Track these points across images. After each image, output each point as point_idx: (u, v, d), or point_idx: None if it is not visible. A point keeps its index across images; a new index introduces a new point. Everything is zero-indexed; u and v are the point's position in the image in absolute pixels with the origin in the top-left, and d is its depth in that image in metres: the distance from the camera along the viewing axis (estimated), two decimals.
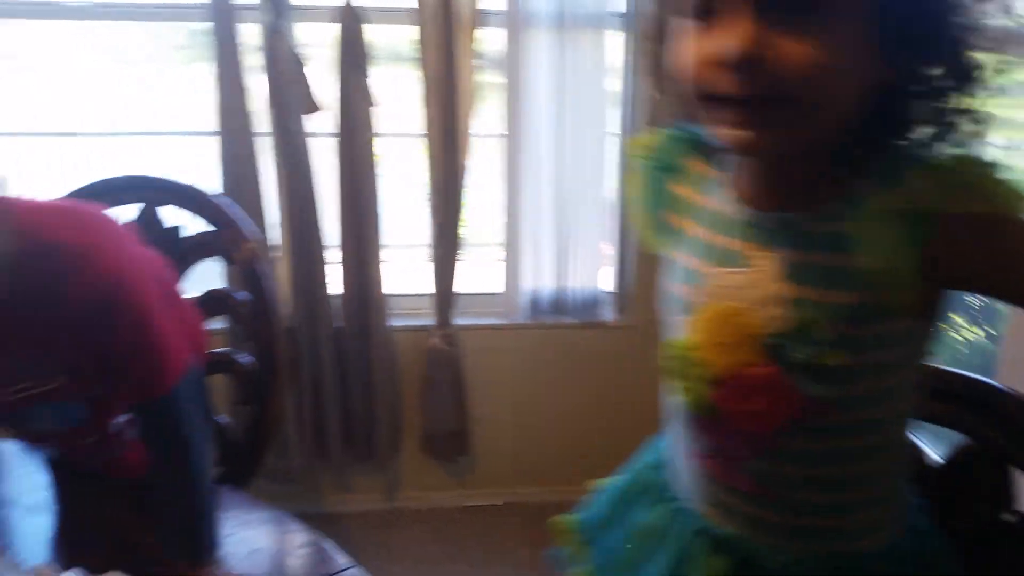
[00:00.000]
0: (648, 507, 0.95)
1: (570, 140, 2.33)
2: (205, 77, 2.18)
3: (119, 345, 0.89)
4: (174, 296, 1.09)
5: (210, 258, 1.52)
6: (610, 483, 1.08)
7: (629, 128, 2.37)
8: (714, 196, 0.82)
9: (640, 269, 2.45)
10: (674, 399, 0.85)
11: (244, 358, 1.51)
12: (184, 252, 1.48)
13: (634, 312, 2.49)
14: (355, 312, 2.34)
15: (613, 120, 2.40)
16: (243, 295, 1.47)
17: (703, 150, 0.84)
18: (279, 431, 2.10)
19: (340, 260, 2.32)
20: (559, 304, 2.50)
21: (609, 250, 2.54)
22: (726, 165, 0.81)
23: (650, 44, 0.79)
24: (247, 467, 1.48)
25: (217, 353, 1.45)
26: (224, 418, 1.52)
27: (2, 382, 0.91)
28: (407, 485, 2.56)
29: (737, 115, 0.67)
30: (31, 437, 1.05)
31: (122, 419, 1.01)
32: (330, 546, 1.05)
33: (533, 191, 2.39)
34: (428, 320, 2.43)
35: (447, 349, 2.41)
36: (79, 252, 0.80)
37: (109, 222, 0.94)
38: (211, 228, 1.48)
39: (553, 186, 2.37)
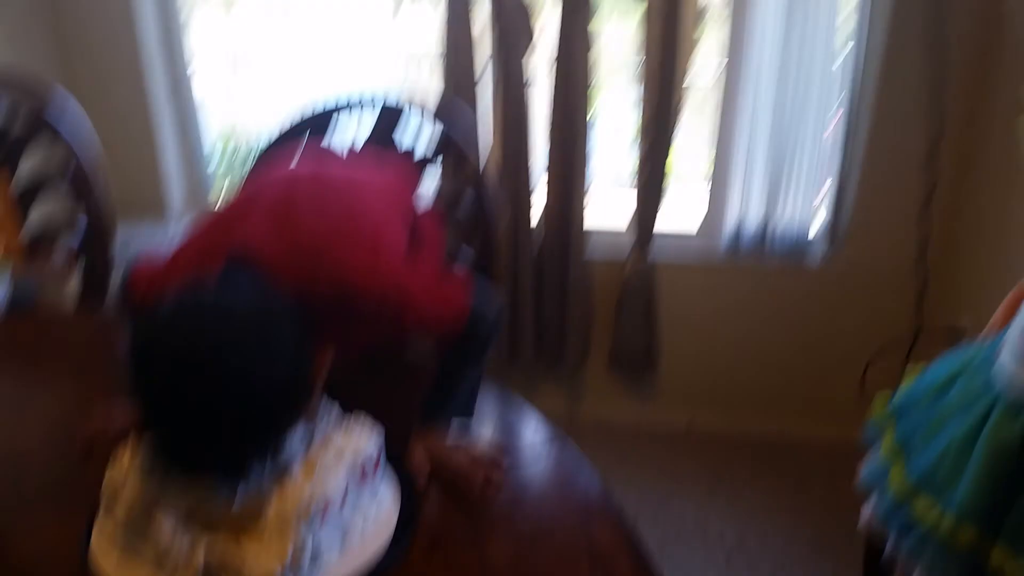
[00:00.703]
0: (963, 387, 1.11)
1: (795, 70, 2.17)
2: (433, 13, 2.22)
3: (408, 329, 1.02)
4: (422, 231, 1.15)
5: (439, 170, 1.58)
6: (930, 369, 1.22)
7: (861, 61, 2.17)
8: None
9: (857, 210, 2.30)
10: None
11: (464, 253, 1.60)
12: (415, 164, 1.55)
13: (846, 257, 2.35)
14: (555, 241, 2.36)
15: (840, 52, 2.21)
16: (466, 207, 1.54)
17: None
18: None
19: (545, 191, 2.34)
20: (763, 243, 2.40)
21: (824, 190, 2.38)
22: None
23: None
24: None
25: None
26: None
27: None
28: (590, 397, 2.63)
29: None
30: None
31: None
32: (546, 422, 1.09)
33: (749, 122, 2.27)
34: (625, 252, 2.41)
35: (642, 283, 2.39)
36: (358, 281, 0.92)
37: (368, 223, 1.00)
38: (437, 145, 1.53)
39: (771, 117, 2.24)
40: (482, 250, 1.59)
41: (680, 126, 2.23)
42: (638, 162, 2.28)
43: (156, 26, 2.42)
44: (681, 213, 2.50)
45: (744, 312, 2.47)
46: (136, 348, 0.73)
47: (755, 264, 2.41)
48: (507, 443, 1.04)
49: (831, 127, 2.27)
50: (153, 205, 2.49)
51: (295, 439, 0.83)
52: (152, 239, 2.27)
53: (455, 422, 1.08)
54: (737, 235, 2.40)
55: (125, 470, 0.81)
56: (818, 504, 2.21)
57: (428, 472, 0.99)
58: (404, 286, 0.94)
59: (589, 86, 2.21)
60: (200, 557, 0.74)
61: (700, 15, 2.12)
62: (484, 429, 1.10)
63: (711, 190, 2.42)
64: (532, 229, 2.37)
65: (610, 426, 2.58)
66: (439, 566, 0.82)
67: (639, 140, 2.26)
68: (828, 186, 2.35)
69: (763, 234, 2.38)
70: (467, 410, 1.12)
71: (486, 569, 0.81)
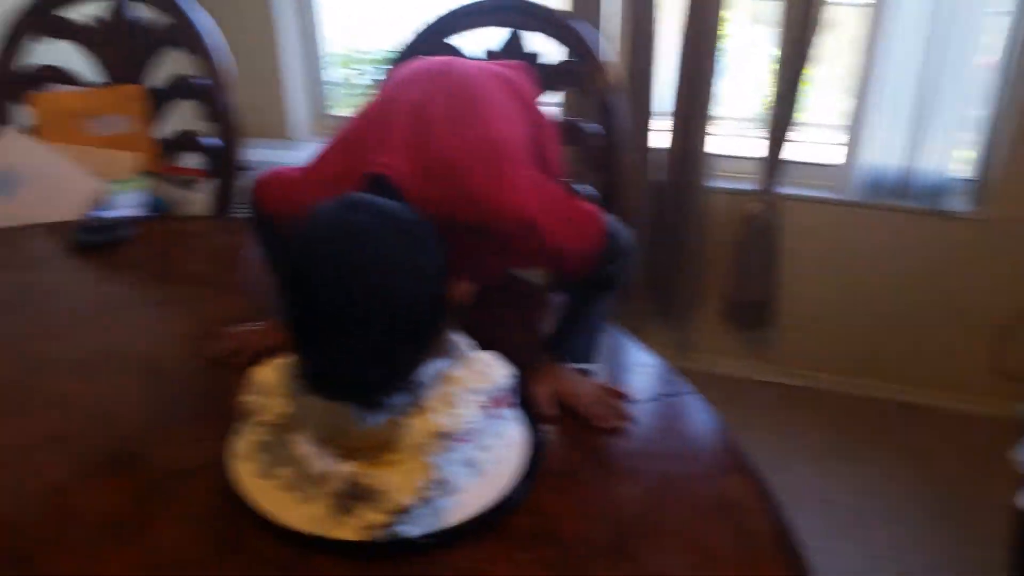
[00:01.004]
0: None
1: (947, 4, 1.99)
2: None
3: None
4: (548, 149, 1.12)
5: (567, 87, 1.53)
6: None
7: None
8: None
9: (1011, 155, 2.11)
10: None
11: (588, 189, 1.54)
12: (543, 78, 1.47)
13: (995, 204, 2.17)
14: (677, 167, 2.26)
15: None
16: (593, 127, 1.47)
17: None
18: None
19: (675, 113, 2.22)
20: (903, 185, 2.24)
21: (972, 133, 2.20)
22: None
23: None
24: None
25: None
26: None
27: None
28: (700, 347, 2.54)
29: None
30: None
31: None
32: (669, 369, 1.06)
33: (894, 57, 2.10)
34: (752, 184, 2.30)
35: (767, 218, 2.27)
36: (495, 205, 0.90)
37: (499, 144, 0.96)
38: (570, 57, 1.45)
39: (919, 53, 2.06)
40: (608, 180, 1.53)
41: (818, 47, 2.08)
42: (773, 83, 2.14)
43: None
44: (816, 150, 2.37)
45: (875, 261, 2.33)
46: (294, 259, 0.73)
47: (892, 207, 2.26)
48: (630, 387, 1.00)
49: (985, 61, 2.08)
50: (275, 126, 2.51)
51: (431, 367, 0.82)
52: (275, 157, 2.30)
53: (574, 365, 1.04)
54: (875, 174, 2.25)
55: (264, 390, 0.81)
56: (942, 478, 2.09)
57: (555, 403, 0.97)
58: (538, 216, 0.91)
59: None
60: (337, 481, 0.74)
61: None
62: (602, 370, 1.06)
63: (851, 125, 2.27)
64: (649, 151, 2.27)
65: (722, 380, 2.50)
66: (568, 505, 0.80)
67: (774, 60, 2.12)
68: (979, 126, 2.17)
69: (904, 175, 2.23)
70: (587, 355, 1.07)
71: (617, 512, 0.79)
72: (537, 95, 1.22)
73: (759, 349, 2.50)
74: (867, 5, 2.12)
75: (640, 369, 1.06)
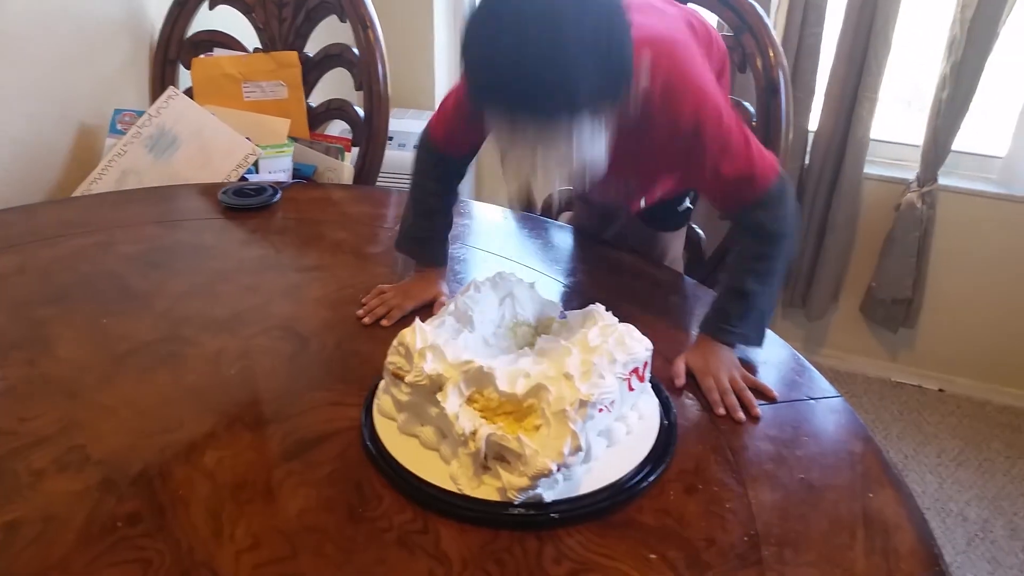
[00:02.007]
0: None
1: None
2: None
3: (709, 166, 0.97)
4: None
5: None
6: None
7: None
8: None
9: None
10: None
11: None
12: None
13: None
14: (831, 151, 2.15)
15: None
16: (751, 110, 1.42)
17: None
18: None
19: (828, 91, 2.11)
20: None
21: None
22: None
23: None
24: (714, 276, 1.51)
25: None
26: (701, 234, 1.55)
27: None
28: (833, 342, 2.43)
29: None
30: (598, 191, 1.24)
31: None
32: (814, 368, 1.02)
33: None
34: (909, 173, 2.16)
35: (922, 209, 2.14)
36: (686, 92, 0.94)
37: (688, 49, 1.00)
38: (735, 32, 1.39)
39: None
40: None
41: (998, 37, 1.93)
42: (946, 65, 2.00)
43: None
44: (983, 133, 2.20)
45: None
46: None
47: None
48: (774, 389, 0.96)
49: None
50: (424, 96, 2.54)
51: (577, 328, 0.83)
52: (420, 128, 2.33)
53: (739, 347, 0.99)
54: None
55: (409, 351, 0.82)
56: None
57: (684, 377, 0.96)
58: (724, 110, 0.94)
59: None
60: (481, 442, 0.75)
61: None
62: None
63: (1021, 117, 2.10)
64: (807, 133, 2.17)
65: (850, 377, 2.38)
66: (698, 505, 0.77)
67: (951, 39, 1.98)
68: None
69: None
70: (756, 336, 1.00)
71: (750, 519, 0.76)
72: (723, 53, 1.23)
73: (895, 349, 2.36)
74: None
75: (782, 366, 1.02)
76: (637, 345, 0.86)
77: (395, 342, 0.85)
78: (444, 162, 1.16)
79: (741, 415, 0.90)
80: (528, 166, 0.86)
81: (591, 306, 0.92)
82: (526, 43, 0.78)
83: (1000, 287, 2.21)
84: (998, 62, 1.99)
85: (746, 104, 1.42)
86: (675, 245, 1.49)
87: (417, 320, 0.87)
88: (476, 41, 0.83)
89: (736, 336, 0.98)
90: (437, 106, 1.16)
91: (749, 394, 0.93)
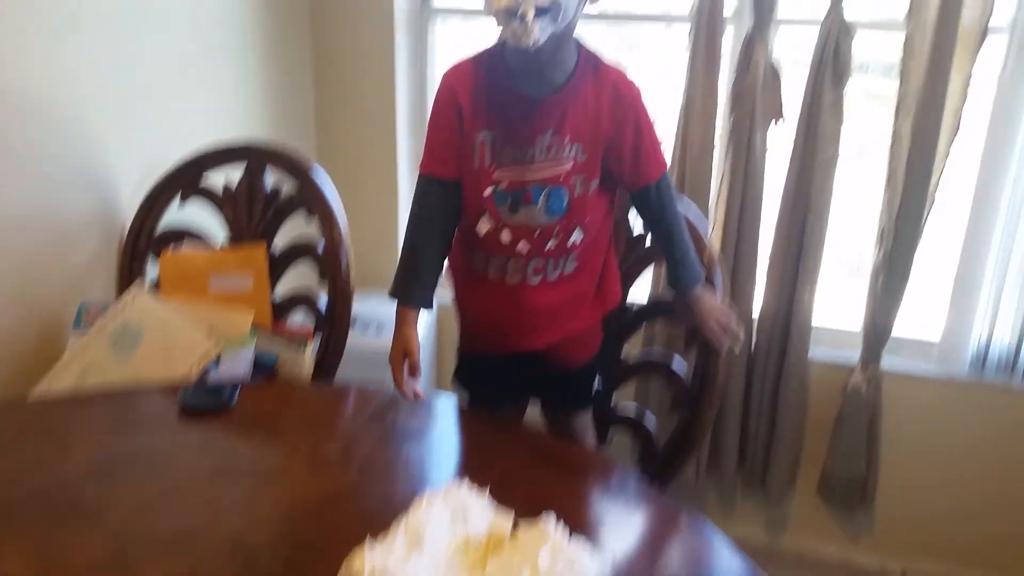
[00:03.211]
0: None
1: None
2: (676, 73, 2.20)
3: (632, 132, 1.35)
4: None
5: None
6: None
7: None
8: None
9: None
10: None
11: (679, 365, 1.60)
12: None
13: None
14: (775, 335, 2.24)
15: None
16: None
17: None
18: (702, 443, 2.14)
19: (770, 278, 2.22)
20: (1016, 362, 2.16)
21: None
22: None
23: None
24: (667, 471, 1.59)
25: (653, 359, 1.71)
26: (652, 421, 1.62)
27: (528, 158, 1.33)
28: (795, 526, 2.44)
29: None
30: (511, 229, 1.38)
31: (579, 238, 1.39)
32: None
33: (1008, 224, 2.09)
34: (852, 356, 2.25)
35: (868, 393, 2.21)
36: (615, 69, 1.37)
37: None
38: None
39: None
40: (700, 361, 1.54)
41: (930, 220, 2.07)
42: (878, 255, 2.13)
43: (408, 114, 2.56)
44: (919, 316, 2.31)
45: (984, 445, 2.23)
46: None
47: (1003, 387, 2.17)
48: None
49: None
50: (384, 276, 2.61)
51: None
52: (379, 311, 2.40)
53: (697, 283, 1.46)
54: (985, 350, 2.19)
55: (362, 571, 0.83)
56: None
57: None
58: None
59: (833, 164, 2.09)
60: None
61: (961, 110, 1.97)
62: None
63: (955, 293, 2.22)
64: (751, 317, 2.26)
65: (814, 562, 2.39)
66: None
67: (881, 230, 2.11)
68: None
69: (1017, 352, 2.15)
70: (699, 274, 1.47)
71: None
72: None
73: (854, 531, 2.38)
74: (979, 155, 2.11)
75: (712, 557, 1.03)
76: (589, 567, 0.86)
77: (343, 569, 0.85)
78: (436, 185, 1.40)
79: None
80: None
81: (543, 518, 0.93)
82: None
83: (953, 468, 2.26)
84: (928, 249, 2.13)
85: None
86: (587, 434, 1.62)
87: (368, 541, 0.87)
88: None
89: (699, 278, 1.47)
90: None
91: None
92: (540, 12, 1.20)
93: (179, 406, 1.39)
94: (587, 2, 1.28)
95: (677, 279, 1.47)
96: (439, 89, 1.39)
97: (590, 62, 1.35)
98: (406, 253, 1.46)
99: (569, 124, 1.33)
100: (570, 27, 1.29)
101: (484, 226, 1.39)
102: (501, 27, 1.24)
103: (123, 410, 1.40)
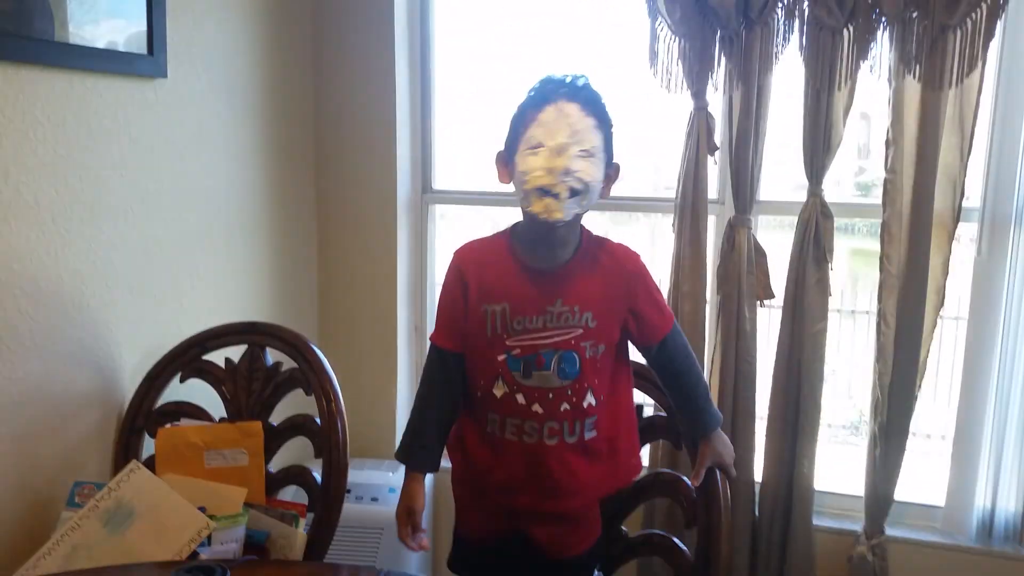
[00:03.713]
0: None
1: None
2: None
3: (643, 293, 1.49)
4: None
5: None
6: None
7: None
8: None
9: None
10: None
11: (682, 546, 1.59)
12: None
13: None
14: (778, 504, 2.21)
15: None
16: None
17: None
18: None
19: (769, 446, 2.23)
20: (1020, 530, 2.12)
21: None
22: None
23: None
24: None
25: (656, 535, 1.66)
26: None
27: (539, 325, 1.43)
28: None
29: None
30: (525, 392, 1.45)
31: (592, 401, 1.45)
32: None
33: (1001, 387, 2.10)
34: (855, 525, 2.21)
35: (873, 562, 2.16)
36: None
37: None
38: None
39: None
40: (704, 536, 1.53)
41: (917, 399, 2.09)
42: (873, 426, 2.13)
43: (408, 292, 2.64)
44: (922, 481, 2.29)
45: None
46: None
47: (1013, 555, 2.12)
48: None
49: None
50: (380, 445, 2.62)
51: None
52: (380, 479, 2.39)
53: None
54: (990, 517, 2.15)
55: None
56: None
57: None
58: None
59: (823, 335, 2.13)
60: None
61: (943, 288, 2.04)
62: None
63: (955, 460, 2.21)
64: (752, 487, 2.24)
65: None
66: None
67: (875, 403, 2.13)
68: None
69: (1019, 520, 2.12)
70: (720, 415, 1.57)
71: None
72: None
73: None
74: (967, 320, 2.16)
75: None
76: None
77: None
78: (444, 356, 1.52)
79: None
80: (555, 152, 1.34)
81: None
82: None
83: None
84: (925, 413, 2.14)
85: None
86: None
87: None
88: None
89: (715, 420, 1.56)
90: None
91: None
92: (573, 193, 1.35)
93: None
94: (607, 189, 1.46)
95: (705, 424, 1.55)
96: (449, 269, 1.54)
97: (592, 237, 1.50)
98: (413, 417, 1.58)
99: (577, 293, 1.44)
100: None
101: (499, 390, 1.46)
102: (529, 203, 1.38)
103: None
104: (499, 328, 1.45)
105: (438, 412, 1.55)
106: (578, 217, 1.43)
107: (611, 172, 1.46)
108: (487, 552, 1.58)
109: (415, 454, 1.56)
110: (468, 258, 1.52)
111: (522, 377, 1.44)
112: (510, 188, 1.47)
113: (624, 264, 1.49)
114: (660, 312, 1.51)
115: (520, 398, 1.44)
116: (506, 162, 1.46)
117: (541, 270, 1.46)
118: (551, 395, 1.44)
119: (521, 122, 1.41)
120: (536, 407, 1.44)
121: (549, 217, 1.36)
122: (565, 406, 1.44)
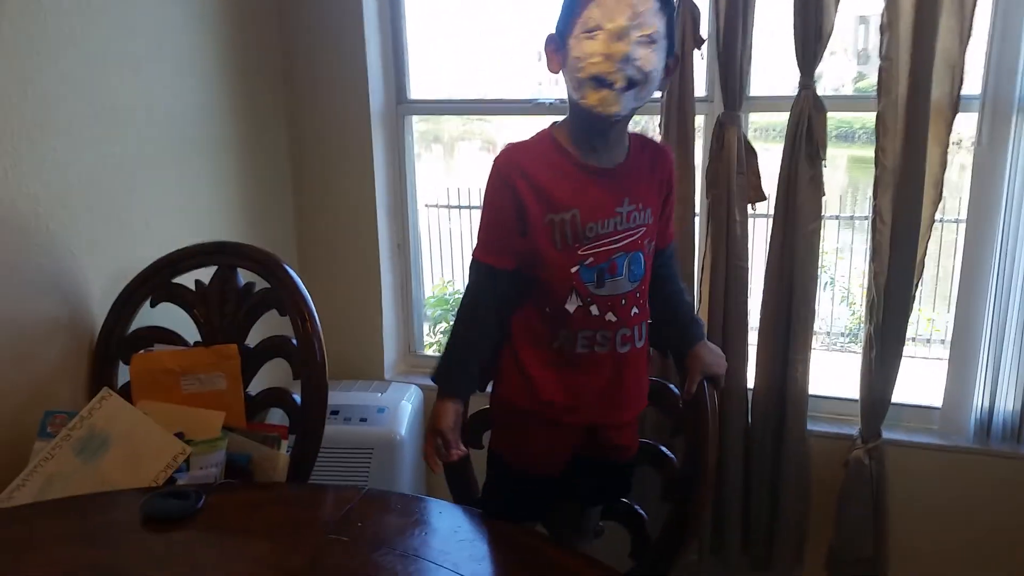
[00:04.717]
0: None
1: None
2: None
3: (672, 197, 1.47)
4: None
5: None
6: None
7: None
8: None
9: None
10: None
11: (670, 454, 1.57)
12: None
13: None
14: (771, 410, 2.17)
15: None
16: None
17: None
18: (697, 533, 2.05)
19: (761, 352, 2.17)
20: (1018, 429, 2.09)
21: None
22: None
23: None
24: (662, 564, 1.50)
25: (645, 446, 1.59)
26: (644, 514, 1.59)
27: (611, 229, 1.35)
28: None
29: None
30: (599, 303, 1.37)
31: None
32: None
33: (1000, 286, 2.04)
34: (851, 429, 2.18)
35: (870, 465, 2.13)
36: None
37: None
38: None
39: None
40: (692, 445, 1.49)
41: (920, 284, 2.03)
42: (869, 328, 2.08)
43: (388, 205, 2.55)
44: (918, 380, 2.25)
45: (993, 514, 2.14)
46: None
47: (1010, 454, 2.10)
48: None
49: None
50: (370, 368, 2.58)
51: None
52: (366, 399, 2.35)
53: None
54: (988, 417, 2.12)
55: None
56: None
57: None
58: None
59: (816, 235, 2.06)
60: None
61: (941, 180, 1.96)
62: None
63: (953, 360, 2.17)
64: (746, 392, 2.20)
65: None
66: None
67: (870, 303, 2.07)
68: None
69: (1021, 419, 2.09)
70: (703, 326, 1.57)
71: None
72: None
73: None
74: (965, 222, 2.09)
75: None
76: None
77: None
78: (496, 275, 1.40)
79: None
80: (615, 36, 1.23)
81: None
82: None
83: (965, 539, 2.16)
84: (923, 315, 2.09)
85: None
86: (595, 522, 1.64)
87: None
88: None
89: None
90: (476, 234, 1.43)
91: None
92: (631, 84, 1.25)
93: (143, 513, 1.32)
94: (665, 84, 1.37)
95: (693, 336, 1.51)
96: (490, 179, 1.38)
97: (636, 135, 1.43)
98: (455, 341, 1.45)
99: (639, 190, 1.38)
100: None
101: (572, 304, 1.36)
102: (583, 94, 1.27)
103: (84, 522, 1.34)
104: (570, 238, 1.34)
105: (484, 335, 1.43)
106: (634, 111, 1.33)
107: (671, 63, 1.34)
108: (546, 484, 1.50)
109: (457, 377, 1.44)
110: (514, 164, 1.35)
111: (595, 287, 1.36)
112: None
113: (666, 162, 1.45)
114: (672, 221, 1.50)
115: (594, 309, 1.36)
116: (557, 47, 1.32)
117: (603, 169, 1.36)
118: (624, 300, 1.38)
119: (577, 0, 1.27)
120: (610, 315, 1.37)
121: (605, 111, 1.26)
122: (635, 310, 1.40)
